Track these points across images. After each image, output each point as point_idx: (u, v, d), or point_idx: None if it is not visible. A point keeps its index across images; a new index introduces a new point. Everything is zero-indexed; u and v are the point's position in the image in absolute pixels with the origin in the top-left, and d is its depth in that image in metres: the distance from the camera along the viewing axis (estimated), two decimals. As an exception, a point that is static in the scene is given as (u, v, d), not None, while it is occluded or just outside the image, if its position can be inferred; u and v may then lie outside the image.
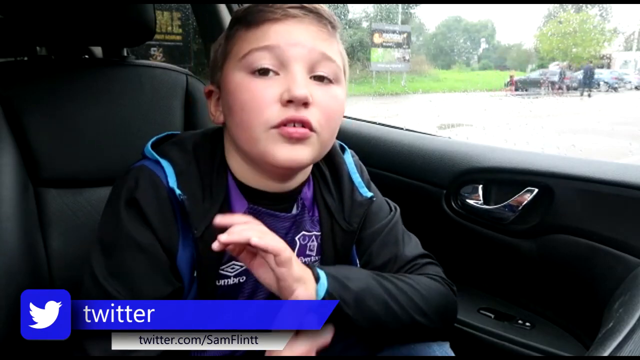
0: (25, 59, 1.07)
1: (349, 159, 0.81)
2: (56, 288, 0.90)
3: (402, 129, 1.36)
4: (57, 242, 0.92)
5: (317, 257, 0.77)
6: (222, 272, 0.70)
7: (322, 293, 0.63)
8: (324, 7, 0.67)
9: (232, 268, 0.71)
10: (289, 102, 0.62)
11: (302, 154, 0.65)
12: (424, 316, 0.70)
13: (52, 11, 0.95)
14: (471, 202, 1.04)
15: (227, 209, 0.69)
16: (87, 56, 1.15)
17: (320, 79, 0.65)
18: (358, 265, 0.78)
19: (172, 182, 0.65)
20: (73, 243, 0.92)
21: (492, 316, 0.96)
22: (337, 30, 0.69)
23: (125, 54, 1.12)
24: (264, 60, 0.63)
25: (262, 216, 0.70)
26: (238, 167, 0.70)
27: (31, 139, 0.92)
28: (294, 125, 0.63)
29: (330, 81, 0.66)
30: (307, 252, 0.76)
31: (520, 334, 0.90)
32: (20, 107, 0.92)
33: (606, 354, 0.45)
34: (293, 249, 0.73)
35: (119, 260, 0.64)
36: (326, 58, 0.65)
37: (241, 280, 0.72)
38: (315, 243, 0.76)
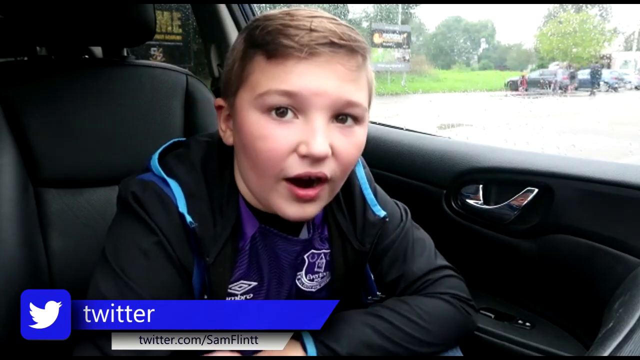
0: (25, 59, 1.07)
1: (361, 172, 0.78)
2: (56, 288, 0.90)
3: (402, 128, 1.36)
4: (57, 242, 0.92)
5: (325, 273, 0.76)
6: (230, 290, 0.69)
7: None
8: (356, 36, 0.60)
9: (240, 287, 0.70)
10: (306, 155, 0.58)
11: (312, 210, 0.63)
12: (429, 346, 0.71)
13: (52, 11, 0.95)
14: (471, 202, 1.04)
15: (238, 231, 0.68)
16: (87, 56, 1.15)
17: (341, 120, 0.60)
18: (372, 277, 0.78)
19: (182, 206, 0.63)
20: (73, 243, 0.92)
21: (492, 316, 0.96)
22: (367, 58, 0.63)
23: (125, 54, 1.12)
24: (283, 102, 0.57)
25: (273, 238, 0.69)
26: (247, 191, 0.68)
27: (31, 138, 0.92)
28: (308, 180, 0.60)
29: (353, 121, 0.61)
30: (316, 269, 0.75)
31: (520, 334, 0.90)
32: (20, 107, 0.92)
33: (606, 354, 0.45)
34: (301, 267, 0.74)
35: (132, 271, 0.61)
36: (352, 105, 0.60)
37: (248, 298, 0.71)
38: (324, 260, 0.75)
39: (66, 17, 0.97)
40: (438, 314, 0.72)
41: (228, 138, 0.66)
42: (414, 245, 0.79)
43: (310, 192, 0.60)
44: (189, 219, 0.62)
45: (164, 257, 0.62)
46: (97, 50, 1.28)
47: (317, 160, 0.58)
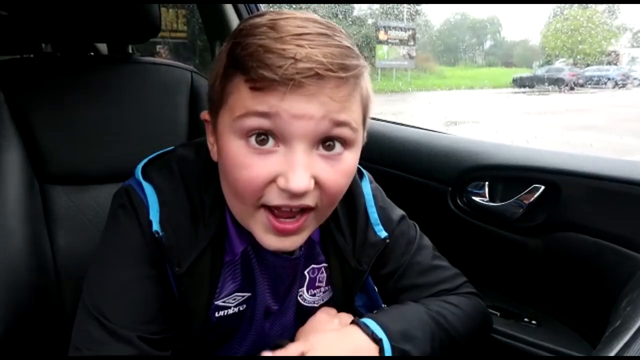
0: (31, 56, 1.07)
1: (367, 188, 0.76)
2: (62, 284, 0.90)
3: (407, 125, 1.35)
4: (62, 239, 0.92)
5: (327, 288, 0.76)
6: (222, 304, 0.68)
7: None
8: (347, 61, 0.53)
9: (234, 299, 0.69)
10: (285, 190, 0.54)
11: (293, 243, 0.61)
12: (466, 341, 0.73)
13: (58, 8, 0.96)
14: (477, 199, 1.03)
15: (223, 244, 0.66)
16: (92, 53, 1.15)
17: (328, 147, 0.56)
18: (376, 290, 0.77)
19: (154, 214, 0.62)
20: (79, 240, 0.93)
21: (498, 314, 0.95)
22: (362, 78, 0.58)
23: (130, 51, 1.12)
24: (262, 127, 0.54)
25: (263, 253, 0.67)
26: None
27: (37, 135, 0.92)
28: (289, 211, 0.57)
29: (342, 146, 0.57)
30: (317, 284, 0.75)
31: (526, 332, 0.90)
32: (26, 104, 0.92)
33: (613, 353, 0.44)
34: (303, 283, 0.73)
35: (113, 275, 0.62)
36: (339, 124, 0.55)
37: (241, 309, 0.70)
38: (324, 275, 0.75)
39: (71, 14, 0.97)
40: (472, 310, 0.76)
41: (214, 155, 0.62)
42: (430, 261, 0.78)
43: (289, 226, 0.58)
44: (155, 227, 0.61)
45: (138, 263, 0.62)
46: (103, 48, 1.28)
47: (296, 195, 0.55)
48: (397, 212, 0.79)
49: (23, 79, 0.95)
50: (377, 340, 0.64)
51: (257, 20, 0.56)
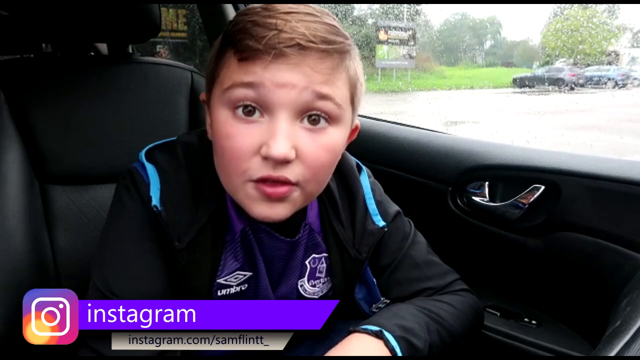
0: (31, 56, 1.07)
1: (366, 181, 0.78)
2: (62, 285, 0.90)
3: (407, 125, 1.35)
4: (63, 239, 0.92)
5: (326, 279, 0.76)
6: (224, 282, 0.69)
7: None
8: (331, 36, 0.56)
9: (236, 278, 0.70)
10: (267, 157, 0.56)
11: (281, 212, 0.61)
12: (462, 337, 0.74)
13: (58, 8, 0.96)
14: (477, 199, 1.03)
15: (225, 223, 0.68)
16: (92, 53, 1.15)
17: (313, 121, 0.58)
18: (375, 282, 0.78)
19: (154, 190, 0.63)
20: (79, 239, 0.93)
21: (498, 314, 0.95)
22: (348, 57, 0.60)
23: (130, 50, 1.12)
24: (248, 98, 0.56)
25: (260, 233, 0.69)
26: None
27: (37, 135, 0.92)
28: (273, 182, 0.58)
29: (326, 121, 0.59)
30: (317, 275, 0.76)
31: (526, 332, 0.90)
32: (26, 104, 0.92)
33: (613, 353, 0.44)
34: (304, 274, 0.74)
35: (119, 251, 0.64)
36: (322, 97, 0.57)
37: (243, 289, 0.71)
38: (324, 265, 0.75)
39: (71, 14, 0.97)
40: (464, 306, 0.76)
41: (210, 134, 0.64)
42: (424, 256, 0.80)
43: (279, 189, 0.58)
44: (154, 201, 0.62)
45: (142, 239, 0.64)
46: (103, 47, 1.28)
47: (278, 162, 0.56)
48: (394, 207, 0.81)
49: (23, 79, 0.95)
50: (378, 334, 0.65)
51: (252, 6, 0.59)
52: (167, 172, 0.66)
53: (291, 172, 0.58)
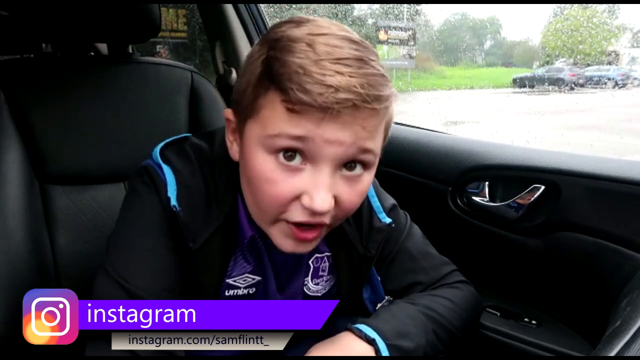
0: (31, 56, 1.07)
1: None
2: (62, 285, 0.90)
3: (407, 125, 1.35)
4: (63, 239, 0.92)
5: (329, 277, 0.77)
6: (233, 282, 0.70)
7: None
8: (380, 92, 0.54)
9: (244, 280, 0.71)
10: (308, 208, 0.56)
11: (308, 248, 0.63)
12: (460, 332, 0.75)
13: (58, 8, 0.96)
14: (477, 199, 1.03)
15: (236, 228, 0.68)
16: (92, 53, 1.15)
17: (349, 167, 0.58)
18: (380, 280, 0.79)
19: (172, 191, 0.64)
20: (79, 240, 0.93)
21: (498, 314, 0.95)
22: (391, 104, 0.59)
23: (130, 50, 1.12)
24: (293, 147, 0.55)
25: (268, 240, 0.67)
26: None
27: (37, 135, 0.92)
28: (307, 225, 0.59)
29: (362, 168, 0.59)
30: (320, 274, 0.76)
31: (526, 332, 0.90)
32: (26, 104, 0.92)
33: (613, 353, 0.44)
34: (308, 273, 0.75)
35: (137, 241, 0.65)
36: (365, 151, 0.57)
37: (251, 292, 0.72)
38: (327, 264, 0.76)
39: (71, 14, 0.97)
40: (463, 301, 0.77)
41: (235, 153, 0.64)
42: (420, 248, 0.81)
43: (309, 235, 0.60)
44: (172, 202, 0.63)
45: (159, 233, 0.65)
46: (103, 47, 1.28)
47: (317, 213, 0.57)
48: (389, 200, 0.82)
49: (23, 79, 0.95)
50: (371, 341, 0.65)
51: (295, 32, 0.56)
52: (181, 174, 0.66)
53: (328, 217, 0.59)
